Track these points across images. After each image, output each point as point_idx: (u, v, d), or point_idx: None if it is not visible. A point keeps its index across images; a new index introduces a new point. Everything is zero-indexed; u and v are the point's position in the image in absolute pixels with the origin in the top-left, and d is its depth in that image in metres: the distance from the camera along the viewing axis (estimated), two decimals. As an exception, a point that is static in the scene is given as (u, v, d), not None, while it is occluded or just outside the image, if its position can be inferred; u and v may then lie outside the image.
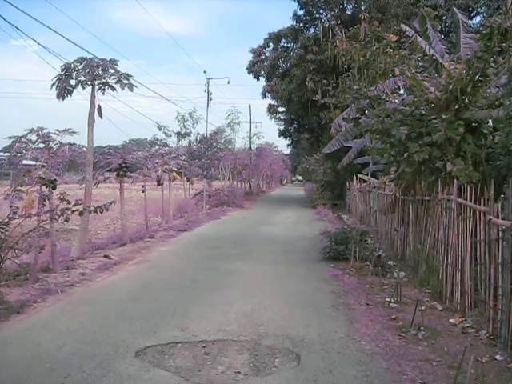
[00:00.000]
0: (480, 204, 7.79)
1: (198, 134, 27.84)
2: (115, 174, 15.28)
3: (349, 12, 32.41)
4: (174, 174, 20.67)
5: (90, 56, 13.33)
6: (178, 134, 24.31)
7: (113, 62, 12.86)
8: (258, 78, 38.44)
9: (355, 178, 26.27)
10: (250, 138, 51.27)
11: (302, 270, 12.03)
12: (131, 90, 12.89)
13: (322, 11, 32.99)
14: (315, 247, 14.58)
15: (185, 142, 25.93)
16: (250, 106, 52.50)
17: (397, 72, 11.15)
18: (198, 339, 6.80)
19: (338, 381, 5.52)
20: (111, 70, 12.76)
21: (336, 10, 32.09)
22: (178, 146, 25.96)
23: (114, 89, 12.97)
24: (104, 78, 12.83)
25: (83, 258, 12.48)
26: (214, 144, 30.98)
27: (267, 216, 27.24)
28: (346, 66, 11.72)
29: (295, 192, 63.95)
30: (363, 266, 12.40)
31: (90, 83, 12.70)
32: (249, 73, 38.61)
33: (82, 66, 12.54)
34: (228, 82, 40.07)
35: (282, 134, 44.12)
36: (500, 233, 7.01)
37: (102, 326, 7.33)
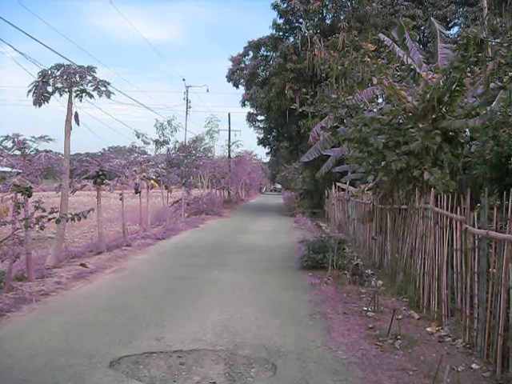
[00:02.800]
0: (456, 213, 7.83)
1: (177, 141, 27.69)
2: (92, 181, 15.12)
3: (328, 21, 32.59)
4: (153, 181, 20.53)
5: (68, 63, 13.23)
6: (157, 141, 24.13)
7: (90, 68, 12.75)
8: (237, 87, 38.50)
9: (334, 186, 26.33)
10: (229, 147, 51.26)
11: (280, 279, 11.98)
12: (109, 97, 12.81)
13: (301, 20, 33.13)
14: (293, 256, 14.55)
15: (163, 150, 25.77)
16: (229, 115, 52.55)
17: (375, 81, 11.24)
18: (174, 349, 6.71)
19: (315, 391, 5.49)
20: (89, 77, 12.65)
21: (315, 20, 32.25)
22: (156, 154, 25.80)
23: (91, 96, 12.86)
24: (81, 85, 12.72)
25: (59, 267, 12.29)
26: (193, 152, 30.88)
27: (246, 224, 27.17)
28: (323, 75, 11.78)
29: (274, 200, 63.98)
30: (341, 274, 12.36)
31: (67, 90, 12.57)
32: (228, 81, 38.63)
33: (59, 73, 12.42)
34: (207, 90, 40.23)
35: (261, 142, 44.12)
36: (476, 242, 7.05)
37: (76, 336, 7.21)
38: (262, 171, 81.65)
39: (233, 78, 38.17)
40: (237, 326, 7.83)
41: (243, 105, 38.40)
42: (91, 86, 12.77)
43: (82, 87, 12.73)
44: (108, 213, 25.61)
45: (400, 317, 8.58)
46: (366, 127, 11.05)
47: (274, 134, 42.09)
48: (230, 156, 51.33)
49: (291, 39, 33.25)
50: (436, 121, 10.78)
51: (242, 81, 37.83)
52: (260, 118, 41.35)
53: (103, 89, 12.75)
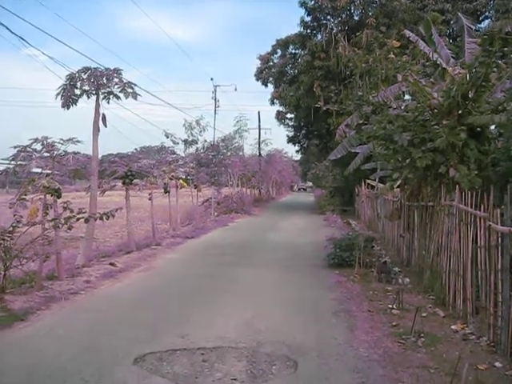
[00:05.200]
0: (480, 210, 7.76)
1: (206, 141, 27.83)
2: (121, 182, 15.40)
3: (356, 18, 32.39)
4: (181, 181, 20.74)
5: (97, 65, 13.52)
6: (186, 141, 24.35)
7: (117, 71, 13.00)
8: (266, 85, 38.47)
9: (363, 183, 26.19)
10: (259, 145, 51.23)
11: (305, 277, 12.03)
12: (135, 99, 13.04)
13: (329, 17, 32.98)
14: (320, 254, 14.53)
15: (192, 150, 25.99)
16: (259, 113, 52.73)
17: (399, 78, 11.17)
18: (197, 346, 6.83)
19: (333, 388, 5.53)
20: (115, 79, 12.89)
21: (343, 16, 32.12)
22: (186, 154, 26.04)
23: (118, 97, 13.10)
24: (108, 87, 12.96)
25: (89, 266, 12.57)
26: (224, 151, 31.04)
27: (275, 222, 27.22)
28: (348, 73, 11.76)
29: (305, 198, 63.83)
30: (368, 272, 12.34)
31: (94, 92, 12.85)
32: (257, 79, 38.67)
33: (86, 76, 12.70)
34: (235, 89, 40.12)
35: (291, 140, 44.05)
36: (499, 239, 6.99)
37: (102, 333, 7.40)
38: (292, 169, 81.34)
39: (261, 76, 38.19)
40: (260, 324, 7.91)
41: (272, 103, 38.40)
42: (118, 87, 13.02)
43: (109, 89, 12.99)
44: (139, 212, 25.95)
45: (425, 314, 8.53)
46: (390, 124, 10.99)
47: (303, 131, 41.99)
48: (260, 154, 51.36)
49: (319, 37, 33.10)
50: (462, 117, 10.64)
51: (271, 79, 37.79)
52: (289, 115, 41.26)
53: (130, 90, 12.98)
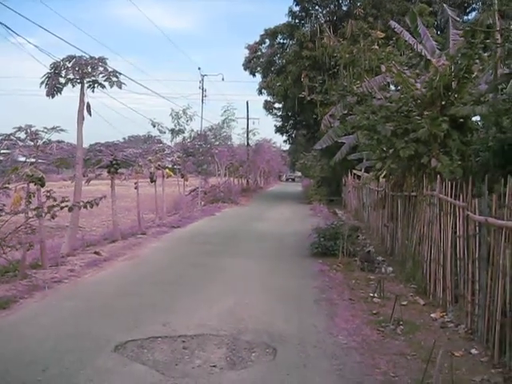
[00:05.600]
0: (460, 200, 7.86)
1: (192, 130, 27.75)
2: (106, 170, 15.37)
3: (344, 8, 32.39)
4: (167, 170, 20.71)
5: (83, 54, 13.43)
6: (172, 130, 24.26)
7: (102, 59, 12.94)
8: (254, 75, 38.48)
9: (350, 173, 26.30)
10: (247, 134, 51.10)
11: (289, 266, 12.13)
12: (120, 88, 13.01)
13: (317, 7, 32.96)
14: (305, 243, 14.60)
15: (179, 139, 25.92)
16: (247, 103, 52.44)
17: (383, 69, 11.25)
18: (178, 334, 6.90)
19: (311, 374, 5.63)
20: (100, 68, 12.84)
21: (331, 7, 32.10)
22: (174, 144, 25.98)
23: (103, 86, 13.06)
24: (93, 76, 12.91)
25: (73, 255, 12.56)
26: (212, 140, 30.98)
27: (262, 212, 27.29)
28: (333, 63, 11.81)
29: (293, 188, 63.89)
30: (351, 261, 12.48)
31: (79, 81, 12.79)
32: (245, 69, 38.63)
33: (71, 64, 12.62)
34: (222, 79, 39.86)
35: (279, 130, 44.03)
36: (477, 228, 7.10)
37: (84, 321, 7.44)
38: (281, 159, 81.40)
39: (249, 66, 38.15)
40: (242, 312, 8.00)
41: (260, 93, 38.44)
42: (103, 76, 12.97)
43: (93, 78, 12.93)
44: (126, 202, 25.88)
45: (405, 303, 8.67)
46: (373, 115, 11.06)
47: (291, 121, 42.02)
48: (248, 144, 51.31)
49: (307, 27, 33.08)
50: (444, 108, 10.76)
51: (259, 69, 37.80)
52: (277, 105, 41.28)
53: (114, 79, 12.93)
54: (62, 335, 6.79)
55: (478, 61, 10.39)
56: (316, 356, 6.19)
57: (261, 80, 37.96)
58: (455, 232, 8.12)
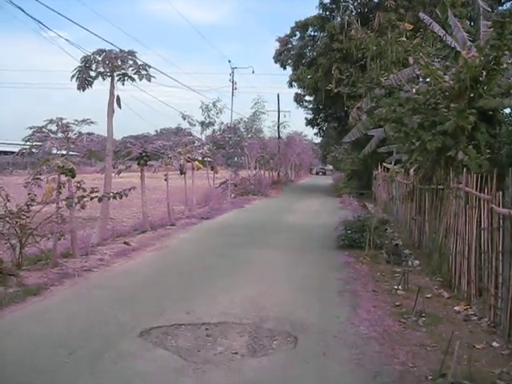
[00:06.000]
0: (484, 193, 7.81)
1: (222, 123, 27.95)
2: (136, 162, 15.65)
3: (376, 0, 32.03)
4: (197, 163, 20.92)
5: (112, 48, 13.67)
6: (202, 123, 24.51)
7: (131, 53, 13.18)
8: (284, 67, 38.37)
9: (380, 167, 26.10)
10: (278, 127, 51.08)
11: (315, 258, 12.20)
12: (149, 81, 13.23)
13: (348, -1, 32.70)
14: (332, 235, 14.63)
15: (209, 132, 26.16)
16: (278, 95, 52.74)
17: (411, 61, 11.17)
18: (202, 322, 7.07)
19: (330, 363, 5.72)
20: (130, 62, 13.06)
21: (362, -2, 31.80)
22: (205, 137, 26.21)
23: (133, 79, 13.31)
24: (123, 69, 13.14)
25: (103, 245, 12.87)
26: (243, 132, 31.11)
27: (291, 204, 27.36)
28: (360, 56, 11.78)
29: (323, 181, 63.67)
30: (377, 254, 12.46)
31: (109, 74, 13.05)
32: (275, 62, 38.57)
33: (101, 58, 12.89)
34: (253, 72, 40.08)
35: (310, 122, 43.83)
36: (501, 221, 7.06)
37: (112, 308, 7.66)
38: (312, 152, 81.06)
39: (280, 58, 38.08)
40: (265, 302, 8.13)
41: (290, 85, 38.27)
42: (132, 70, 13.21)
43: (123, 71, 13.17)
44: (157, 193, 26.30)
45: (429, 295, 8.68)
46: (401, 107, 11.01)
47: (322, 114, 41.80)
48: (279, 137, 51.31)
49: (338, 19, 32.83)
50: (473, 100, 10.62)
51: (290, 61, 37.68)
52: (307, 98, 41.11)
53: (144, 72, 13.17)
54: (89, 321, 7.03)
55: (507, 52, 10.22)
56: (336, 345, 6.27)
57: (291, 73, 37.87)
58: (480, 225, 8.08)
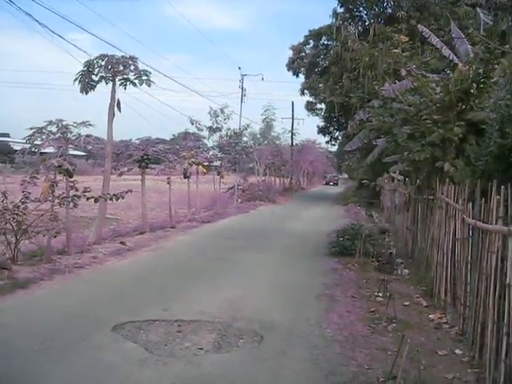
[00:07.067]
0: (458, 203, 7.98)
1: (229, 129, 28.30)
2: (137, 165, 16.02)
3: (389, 10, 32.21)
4: (201, 167, 21.21)
5: (114, 52, 14.07)
6: (210, 128, 24.88)
7: (132, 58, 13.57)
8: (297, 75, 38.68)
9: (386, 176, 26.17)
10: (291, 134, 51.37)
11: (305, 263, 12.40)
12: (149, 86, 13.60)
13: (361, 9, 32.91)
14: (327, 242, 14.84)
15: (216, 137, 26.52)
16: (292, 103, 52.50)
17: (403, 72, 11.36)
18: (176, 318, 7.31)
19: (287, 361, 5.95)
20: (131, 67, 13.43)
21: (376, 9, 31.98)
22: (212, 142, 26.54)
23: (134, 84, 13.68)
24: (126, 74, 13.51)
25: (99, 244, 13.20)
26: (245, 139, 31.33)
27: (296, 212, 27.56)
28: (354, 66, 12.00)
29: (335, 190, 63.59)
30: (368, 262, 12.59)
31: (111, 79, 13.43)
32: (288, 69, 38.90)
33: (103, 63, 13.26)
34: (262, 79, 40.41)
35: (321, 130, 43.96)
36: (470, 231, 7.22)
37: (93, 303, 7.97)
38: (327, 160, 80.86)
39: (293, 66, 38.39)
40: (242, 303, 8.36)
41: (302, 93, 38.55)
42: (134, 75, 13.57)
43: (125, 76, 13.54)
44: (167, 196, 26.58)
45: (407, 303, 8.87)
46: (390, 117, 11.20)
47: (333, 122, 41.94)
48: (292, 144, 51.51)
49: (352, 28, 33.02)
50: (462, 112, 10.79)
51: (302, 69, 37.96)
52: (319, 106, 41.33)
53: (144, 78, 13.53)
54: (69, 314, 7.32)
55: (496, 66, 10.37)
56: (299, 345, 6.49)
57: (303, 81, 38.14)
58: (454, 235, 8.24)
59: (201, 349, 6.20)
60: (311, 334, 6.94)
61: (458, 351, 6.62)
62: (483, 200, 6.66)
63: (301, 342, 6.60)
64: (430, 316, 8.23)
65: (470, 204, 7.31)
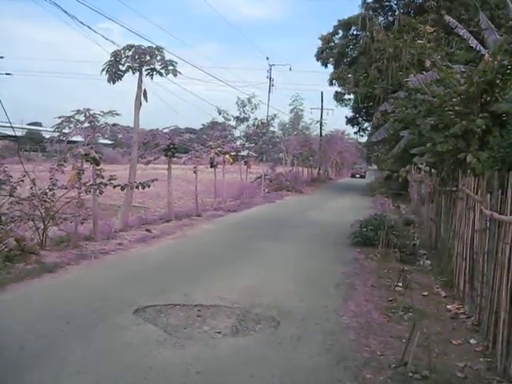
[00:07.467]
0: (478, 194, 8.00)
1: (256, 118, 28.30)
2: (164, 154, 16.31)
3: (419, 0, 31.77)
4: (227, 156, 21.40)
5: (141, 43, 14.31)
6: (237, 118, 25.01)
7: (159, 48, 13.78)
8: (326, 66, 38.42)
9: (413, 167, 26.00)
10: (320, 125, 51.31)
11: (326, 253, 12.50)
12: (175, 76, 13.81)
13: (391, -1, 32.58)
14: (351, 233, 14.88)
15: (243, 127, 26.63)
16: (322, 93, 52.54)
17: (427, 64, 11.32)
18: (196, 303, 7.54)
19: (301, 346, 6.09)
20: (158, 57, 13.64)
21: (406, -1, 31.59)
22: (239, 131, 26.68)
23: (161, 74, 13.90)
24: (152, 64, 13.75)
25: (126, 231, 13.52)
26: (272, 129, 31.34)
27: (322, 202, 27.61)
28: (378, 56, 11.98)
29: (364, 181, 63.15)
30: (391, 252, 12.61)
31: (137, 69, 13.67)
32: (317, 60, 38.64)
33: (130, 53, 13.51)
34: (290, 69, 40.28)
35: (350, 121, 43.69)
36: (487, 223, 7.25)
37: (117, 287, 8.28)
38: (356, 151, 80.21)
39: (322, 56, 38.15)
40: (262, 290, 8.52)
41: (331, 84, 38.34)
42: (160, 65, 13.80)
43: (152, 66, 13.78)
44: (193, 185, 26.86)
45: (426, 293, 8.92)
46: (414, 109, 11.18)
47: (362, 113, 41.64)
48: (321, 134, 51.38)
49: (380, 18, 32.74)
50: (487, 104, 10.72)
51: (331, 60, 37.70)
52: (347, 97, 41.04)
53: (171, 68, 13.76)
54: (94, 297, 7.61)
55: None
56: (314, 331, 6.63)
57: (332, 71, 37.92)
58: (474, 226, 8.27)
59: (219, 332, 6.40)
60: (327, 321, 7.07)
61: (472, 341, 6.68)
62: (500, 191, 6.71)
63: (316, 329, 6.74)
64: (448, 306, 8.28)
65: (489, 195, 7.35)
